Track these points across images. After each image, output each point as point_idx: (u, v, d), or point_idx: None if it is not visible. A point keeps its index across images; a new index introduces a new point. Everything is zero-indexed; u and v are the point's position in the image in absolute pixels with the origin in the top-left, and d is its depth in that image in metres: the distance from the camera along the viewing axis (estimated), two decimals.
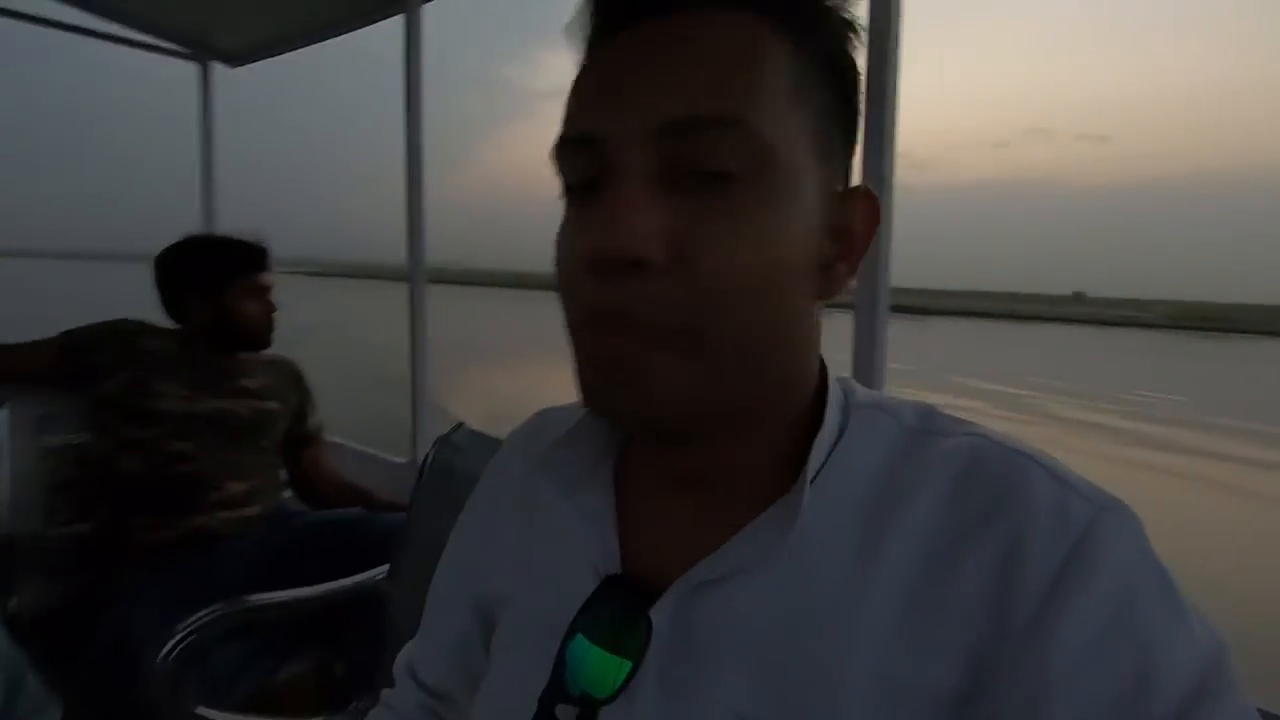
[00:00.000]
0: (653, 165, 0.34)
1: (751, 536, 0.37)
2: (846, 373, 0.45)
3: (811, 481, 0.37)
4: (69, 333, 1.55)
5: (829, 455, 0.39)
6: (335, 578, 1.33)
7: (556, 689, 0.39)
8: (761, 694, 0.36)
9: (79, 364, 1.50)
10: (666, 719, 0.37)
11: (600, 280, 0.34)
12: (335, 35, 2.22)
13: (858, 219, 0.40)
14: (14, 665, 0.95)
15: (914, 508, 0.36)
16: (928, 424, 0.40)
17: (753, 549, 0.37)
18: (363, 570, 1.35)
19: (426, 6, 1.86)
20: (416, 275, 1.94)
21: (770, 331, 0.37)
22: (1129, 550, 0.34)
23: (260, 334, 1.62)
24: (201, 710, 1.05)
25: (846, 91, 0.39)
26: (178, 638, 1.03)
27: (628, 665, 0.37)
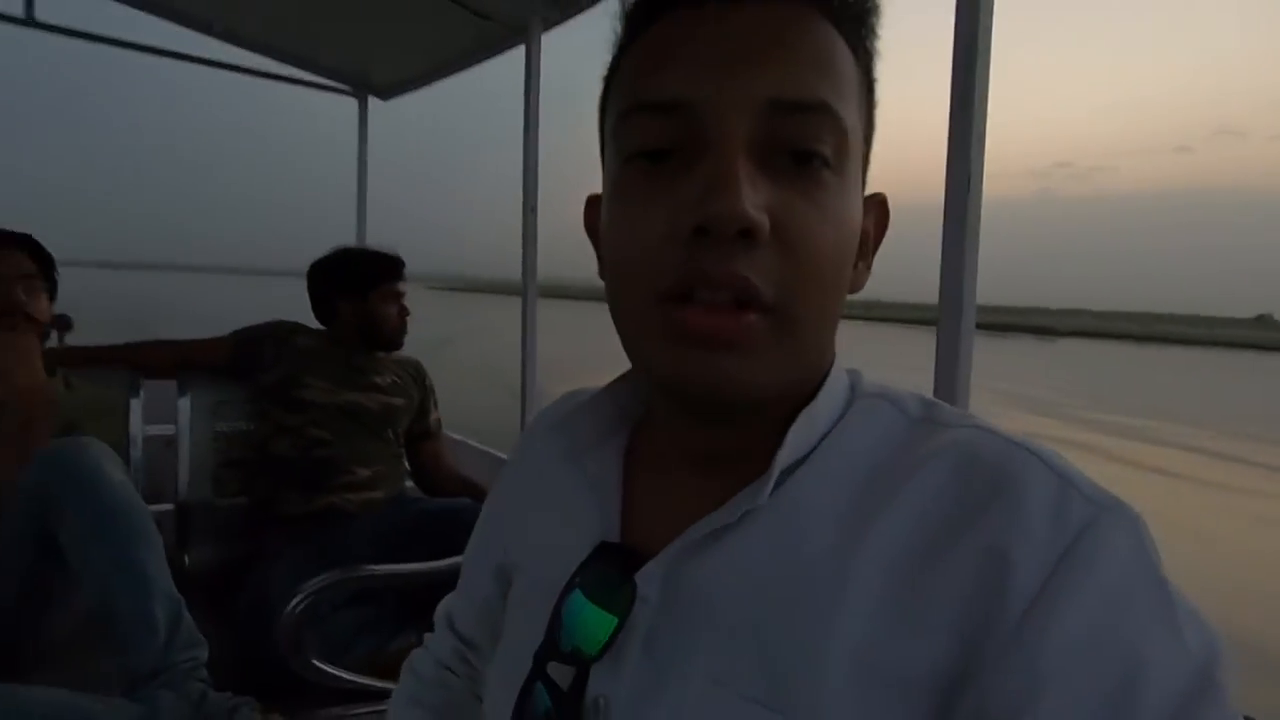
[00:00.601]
0: (755, 138, 0.35)
1: (734, 507, 0.38)
2: (927, 391, 0.46)
3: (807, 458, 0.38)
4: (239, 331, 1.81)
5: (825, 436, 0.39)
6: (452, 555, 1.45)
7: (551, 646, 0.40)
8: (740, 660, 0.36)
9: (245, 358, 1.75)
10: (648, 680, 0.38)
11: (702, 252, 0.34)
12: (469, 66, 2.43)
13: (873, 220, 0.43)
14: (176, 608, 1.13)
15: (908, 492, 0.36)
16: (931, 414, 0.40)
17: (732, 515, 0.38)
18: None
19: (547, 35, 2.00)
20: (529, 289, 2.08)
21: (833, 313, 0.39)
22: (1126, 552, 0.33)
23: (395, 335, 1.82)
24: (318, 664, 1.19)
25: (871, 99, 0.41)
26: (300, 597, 1.17)
27: (614, 621, 0.38)
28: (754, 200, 0.34)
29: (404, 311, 1.83)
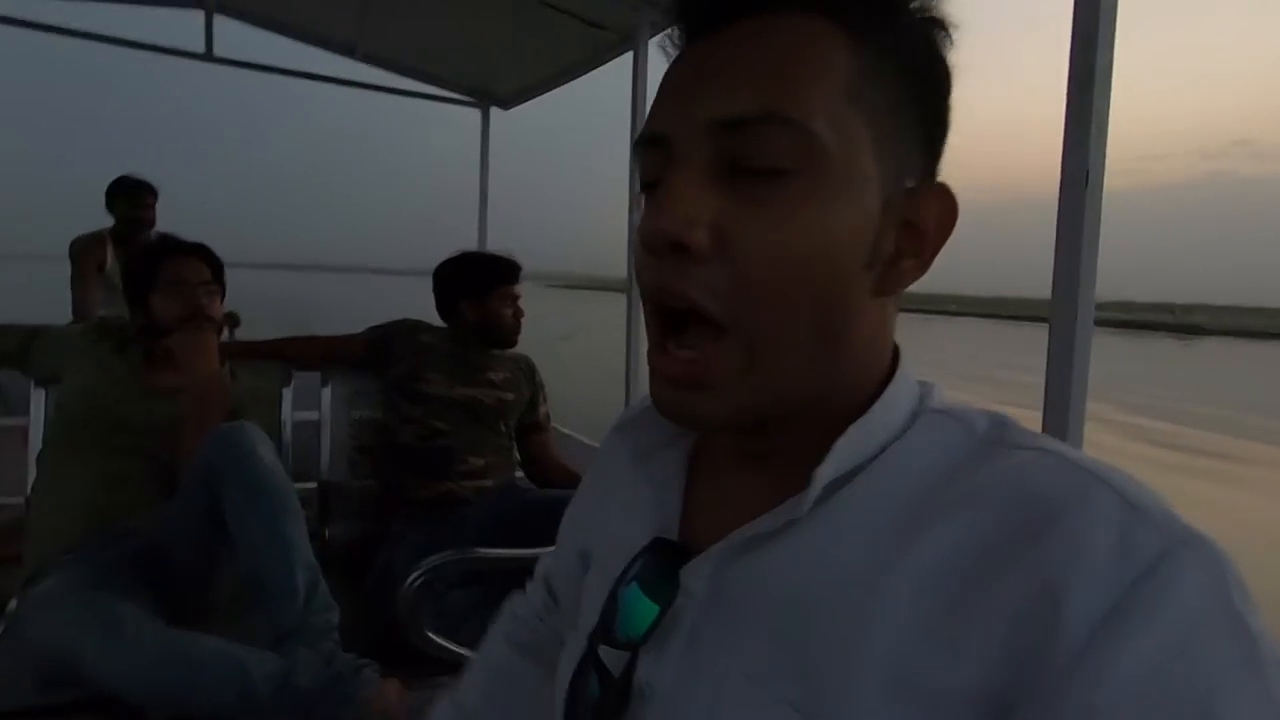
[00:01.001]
0: (709, 160, 0.36)
1: (778, 515, 0.38)
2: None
3: (864, 467, 0.38)
4: (372, 328, 1.99)
5: (883, 450, 0.39)
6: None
7: (604, 631, 0.42)
8: (777, 662, 0.36)
9: (376, 353, 1.93)
10: (688, 671, 0.39)
11: (654, 272, 0.37)
12: (582, 74, 2.53)
13: (931, 215, 0.39)
14: (314, 575, 1.27)
15: (961, 512, 0.35)
16: (1000, 435, 0.38)
17: (775, 521, 0.38)
18: None
19: (653, 42, 2.05)
20: (635, 287, 2.13)
21: (817, 324, 0.37)
22: (1201, 590, 0.30)
23: (510, 334, 1.93)
24: (431, 635, 1.29)
25: (922, 91, 0.39)
26: (417, 574, 1.28)
27: (655, 609, 0.40)
28: (690, 215, 0.35)
29: (518, 312, 1.94)
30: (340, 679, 1.11)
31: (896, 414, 0.40)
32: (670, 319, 0.38)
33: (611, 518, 0.51)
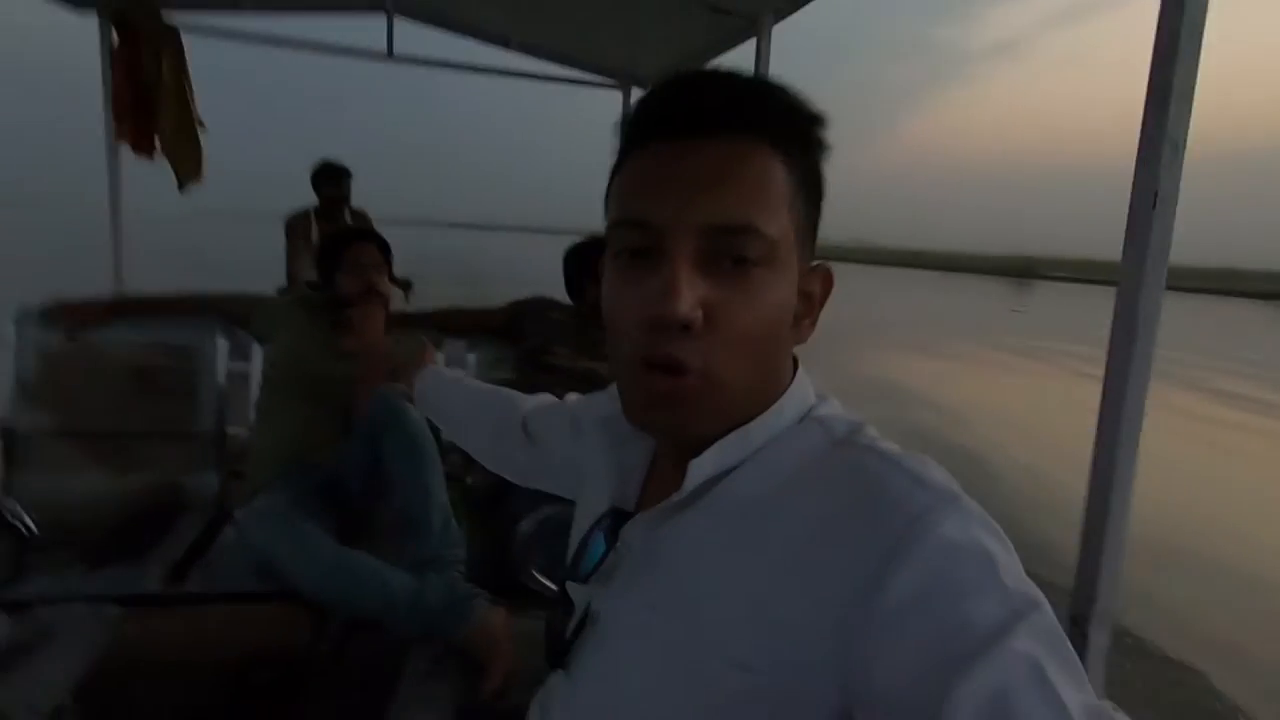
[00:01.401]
0: (697, 252, 0.48)
1: (676, 496, 0.53)
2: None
3: (751, 459, 0.52)
4: (513, 302, 2.24)
5: (761, 448, 0.52)
6: None
7: (572, 568, 0.60)
8: (669, 596, 0.51)
9: (513, 326, 2.18)
10: (619, 601, 0.55)
11: (655, 334, 0.49)
12: (712, 58, 2.58)
13: (817, 286, 0.55)
14: (446, 515, 1.54)
15: (809, 493, 0.48)
16: (852, 437, 0.51)
17: (673, 501, 0.53)
18: None
19: (779, 28, 2.06)
20: None
21: (765, 368, 0.52)
22: (955, 530, 0.42)
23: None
24: (536, 574, 1.52)
25: (818, 197, 0.53)
26: (527, 521, 1.51)
27: (602, 550, 0.58)
28: (691, 300, 0.48)
29: None
30: (459, 602, 1.36)
31: (781, 421, 0.53)
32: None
33: (596, 479, 0.66)
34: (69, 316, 1.98)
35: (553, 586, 1.53)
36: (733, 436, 0.51)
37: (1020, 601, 0.40)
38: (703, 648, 0.47)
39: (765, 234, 0.48)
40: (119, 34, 2.76)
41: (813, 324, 0.55)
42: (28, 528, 1.37)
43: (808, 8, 1.90)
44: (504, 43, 3.02)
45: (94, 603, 1.34)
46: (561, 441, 0.82)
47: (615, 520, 0.58)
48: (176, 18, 2.82)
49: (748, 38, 2.23)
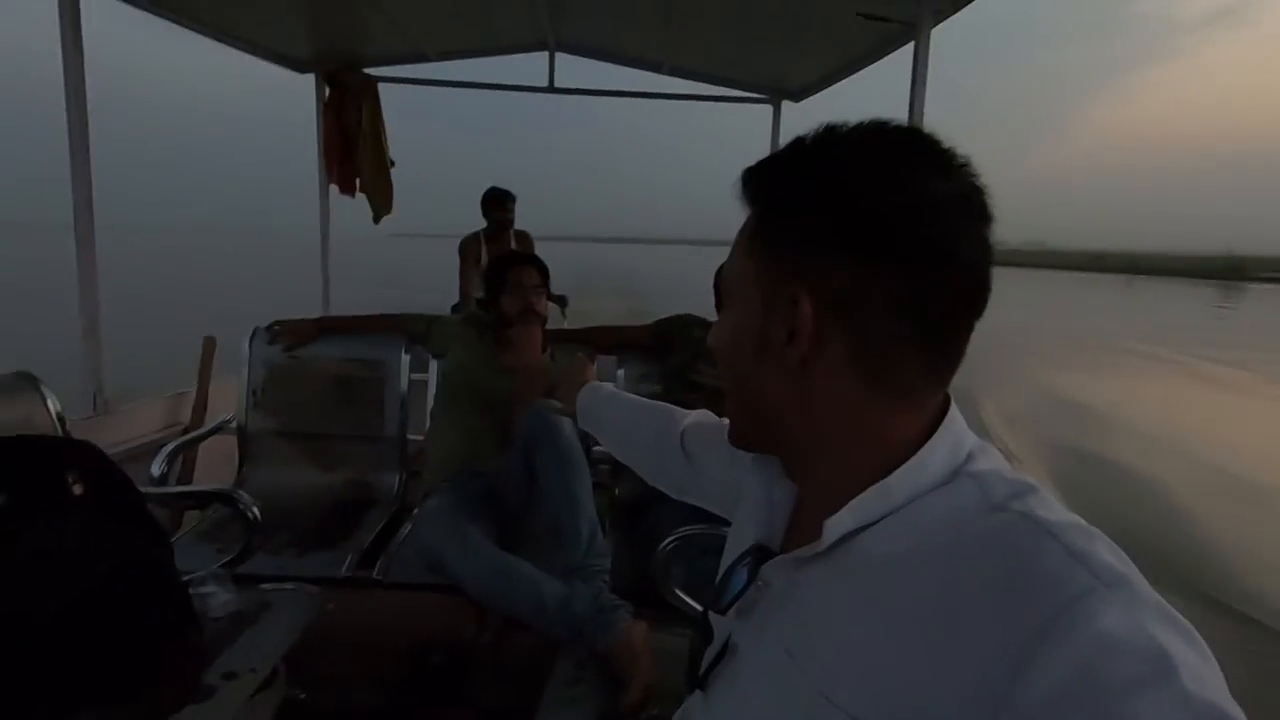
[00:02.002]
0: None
1: (811, 548, 0.51)
2: None
3: (893, 514, 0.48)
4: (659, 320, 2.31)
5: (907, 503, 0.48)
6: None
7: (714, 598, 0.60)
8: (799, 644, 0.50)
9: (659, 343, 2.24)
10: (756, 638, 0.55)
11: None
12: (868, 65, 2.49)
13: (798, 319, 0.51)
14: (594, 527, 1.61)
15: (941, 561, 0.44)
16: (1007, 501, 0.45)
17: (809, 552, 0.51)
18: None
19: (937, 31, 1.95)
20: None
21: (741, 391, 0.57)
22: (1117, 620, 0.37)
23: None
24: (677, 591, 1.55)
25: (780, 239, 0.54)
26: (670, 540, 1.54)
27: (742, 584, 0.57)
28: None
29: None
30: (603, 613, 1.42)
31: (925, 476, 0.48)
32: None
33: (745, 511, 0.66)
34: (287, 334, 2.33)
35: (695, 605, 1.55)
36: (870, 492, 0.49)
37: (1205, 713, 0.34)
38: (825, 701, 0.46)
39: (724, 274, 0.58)
40: (330, 88, 3.21)
41: (801, 357, 0.51)
42: (255, 515, 1.62)
43: (975, 3, 1.78)
44: (656, 68, 3.12)
45: (301, 582, 1.57)
46: (719, 462, 0.83)
47: (759, 557, 0.57)
48: (374, 71, 3.23)
49: (905, 42, 2.13)
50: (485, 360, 2.09)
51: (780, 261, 0.52)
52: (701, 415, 0.94)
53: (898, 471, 0.49)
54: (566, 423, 1.73)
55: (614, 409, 1.06)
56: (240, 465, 2.30)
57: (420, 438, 2.42)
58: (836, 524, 0.49)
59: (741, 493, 0.71)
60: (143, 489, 1.34)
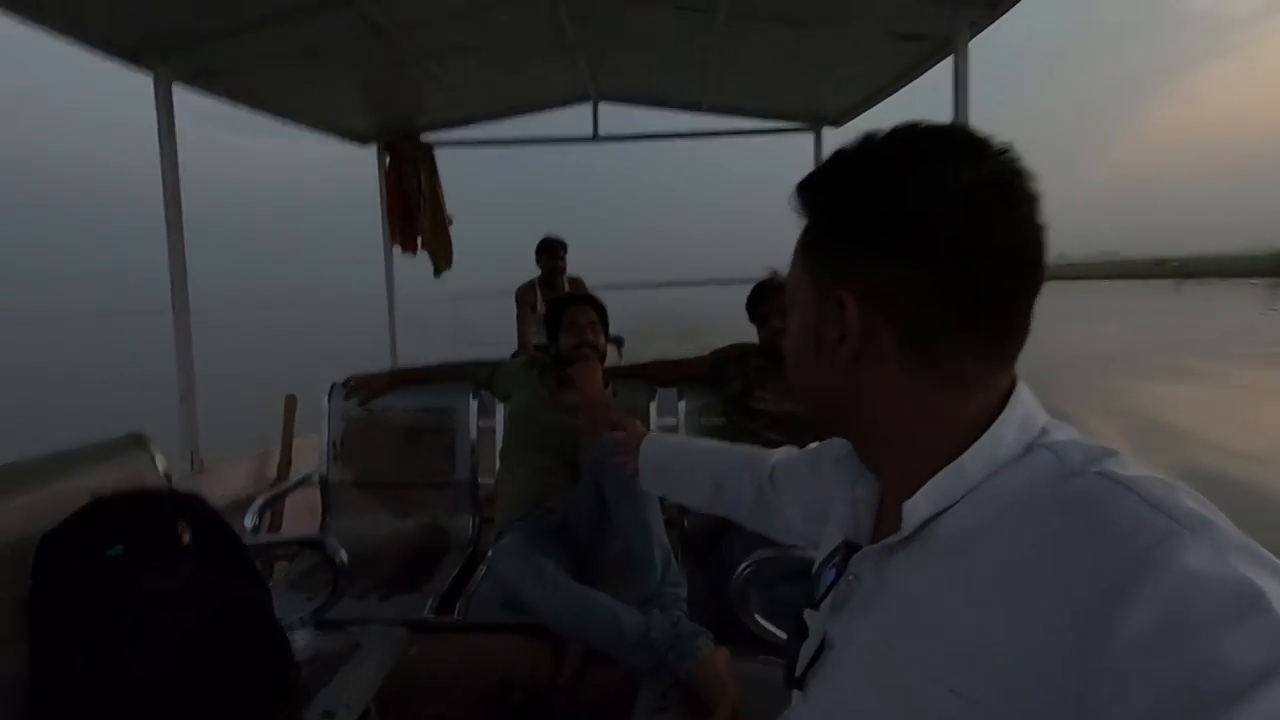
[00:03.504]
0: None
1: (895, 535, 0.53)
2: None
3: (968, 495, 0.49)
4: (714, 351, 2.33)
5: (983, 481, 0.49)
6: None
7: (808, 597, 0.62)
8: (894, 630, 0.51)
9: (717, 373, 2.25)
10: (851, 630, 0.56)
11: None
12: (906, 84, 2.51)
13: (845, 321, 0.54)
14: (667, 555, 1.61)
15: (1022, 526, 0.45)
16: (1085, 466, 0.46)
17: (894, 539, 0.53)
18: None
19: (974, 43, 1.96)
20: None
21: (809, 389, 0.60)
22: (1202, 558, 0.37)
23: (774, 344, 2.11)
24: (758, 618, 1.52)
25: (832, 248, 0.56)
26: (747, 565, 1.52)
27: (832, 577, 0.59)
28: None
29: (777, 329, 2.08)
30: (683, 639, 1.41)
31: (999, 451, 0.50)
32: None
33: (832, 518, 0.68)
34: (362, 388, 2.44)
35: (775, 631, 1.53)
36: (945, 473, 0.50)
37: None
38: (926, 678, 0.47)
39: (786, 284, 0.61)
40: (390, 157, 3.42)
41: (851, 352, 0.54)
42: (342, 560, 1.69)
43: (1016, 9, 1.78)
44: (696, 107, 3.21)
45: (387, 625, 1.61)
46: (806, 486, 0.86)
47: (848, 552, 0.59)
48: (430, 136, 3.42)
49: (943, 58, 2.14)
50: (547, 399, 2.15)
51: (827, 267, 0.55)
52: (784, 452, 0.96)
53: (969, 450, 0.50)
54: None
55: (690, 465, 1.08)
56: (324, 515, 2.40)
57: (490, 482, 2.48)
58: (914, 508, 0.51)
59: (826, 506, 0.73)
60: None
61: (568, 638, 1.56)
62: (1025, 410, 0.51)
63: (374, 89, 2.92)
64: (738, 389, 2.16)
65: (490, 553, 2.05)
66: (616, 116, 3.43)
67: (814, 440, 1.99)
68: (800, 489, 0.88)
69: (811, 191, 0.57)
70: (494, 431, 2.54)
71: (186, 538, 1.28)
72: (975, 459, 0.50)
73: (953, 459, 0.50)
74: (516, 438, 2.15)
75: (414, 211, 3.51)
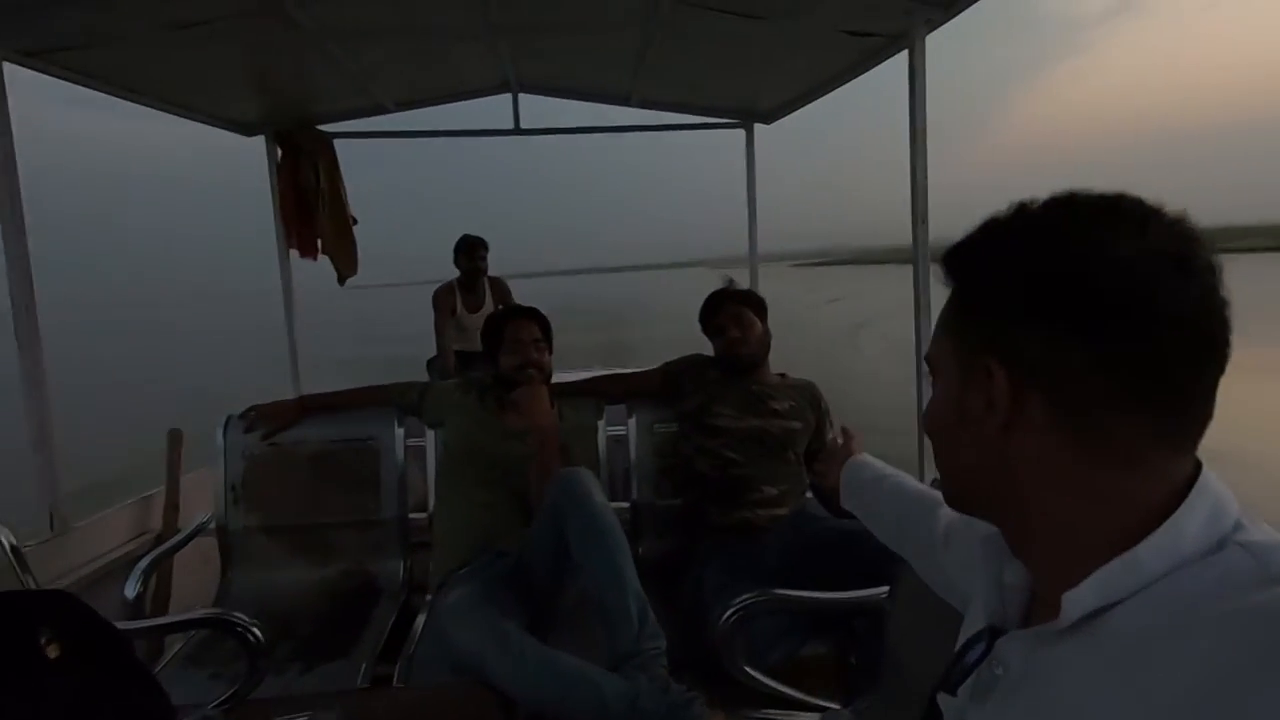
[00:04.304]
0: None
1: (1052, 625, 0.48)
2: None
3: (1146, 589, 0.44)
4: (668, 363, 2.18)
5: (1165, 575, 0.44)
6: (844, 580, 1.54)
7: (944, 679, 0.57)
8: None
9: (671, 387, 2.11)
10: (991, 716, 0.52)
11: None
12: (847, 81, 2.45)
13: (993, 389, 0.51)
14: (643, 604, 1.45)
15: (1207, 637, 0.40)
16: None
17: (1052, 628, 0.48)
18: (866, 580, 1.53)
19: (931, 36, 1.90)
20: (920, 299, 2.03)
21: (950, 461, 0.57)
22: None
23: (733, 357, 2.01)
24: (748, 669, 1.39)
25: (978, 314, 0.54)
26: (732, 610, 1.39)
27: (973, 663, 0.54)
28: None
29: (734, 337, 2.00)
30: (676, 708, 1.26)
31: (1183, 545, 0.45)
32: None
33: (975, 601, 0.64)
34: (265, 420, 2.12)
35: (770, 682, 1.41)
36: (1116, 564, 0.46)
37: None
38: None
39: (929, 354, 0.58)
40: (282, 149, 3.04)
41: (993, 425, 0.51)
42: (257, 638, 1.42)
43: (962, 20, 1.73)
44: (624, 101, 3.04)
45: (315, 708, 1.37)
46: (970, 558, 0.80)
47: (993, 637, 0.55)
48: (328, 127, 3.07)
49: (890, 55, 2.08)
50: (489, 425, 1.93)
51: (974, 335, 0.53)
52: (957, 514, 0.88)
53: (1147, 540, 0.46)
54: (597, 489, 1.58)
55: (881, 494, 1.04)
56: (224, 570, 2.07)
57: (423, 516, 2.23)
58: (1078, 598, 0.47)
59: (962, 585, 0.71)
60: (121, 624, 1.15)
61: (543, 713, 1.37)
62: (1214, 501, 0.47)
63: (260, 72, 2.56)
64: (695, 405, 2.02)
65: (432, 603, 1.82)
66: (539, 108, 3.20)
67: (775, 463, 1.93)
68: (969, 558, 0.79)
69: (961, 257, 0.54)
70: (424, 457, 2.28)
71: (53, 651, 1.00)
72: (1153, 551, 0.45)
73: (1123, 548, 0.46)
74: (455, 470, 1.92)
75: (312, 212, 3.14)
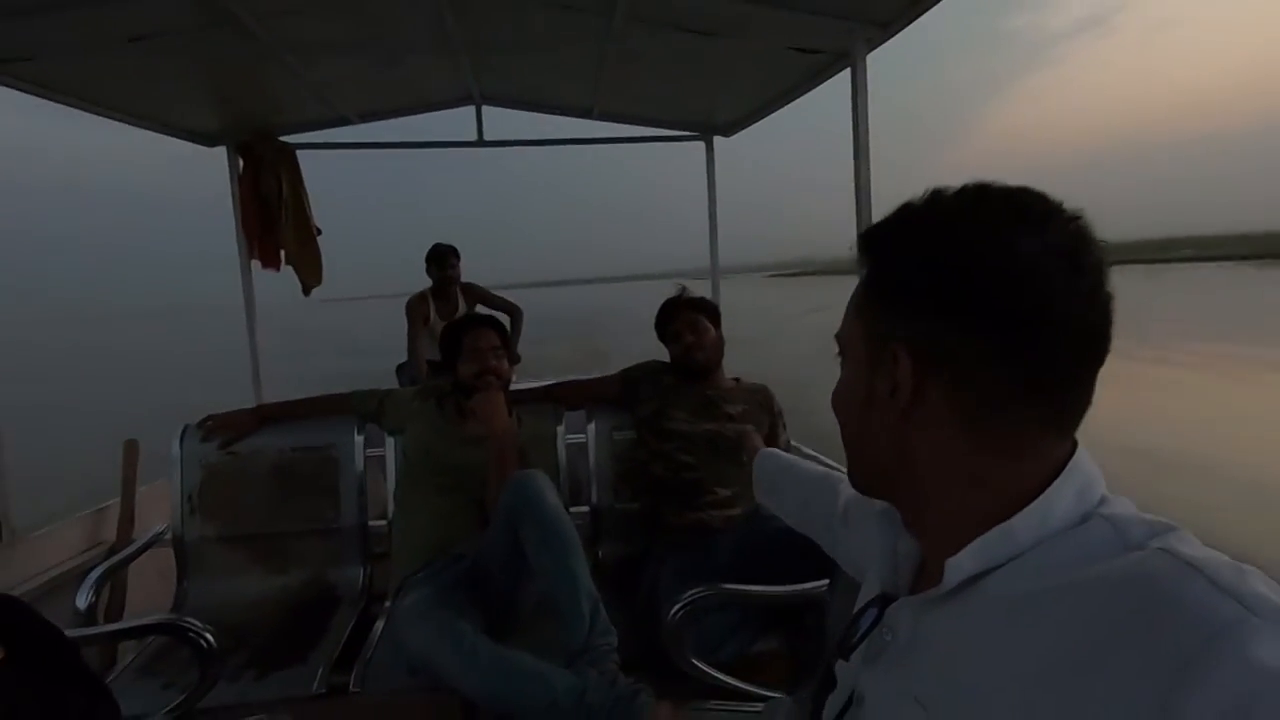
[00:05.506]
0: None
1: (934, 592, 0.52)
2: None
3: (1020, 557, 0.48)
4: (626, 369, 2.22)
5: (1034, 546, 0.47)
6: (796, 578, 1.59)
7: (841, 644, 0.61)
8: (930, 691, 0.50)
9: (629, 393, 2.15)
10: (883, 686, 0.55)
11: None
12: (797, 98, 2.53)
13: (898, 374, 0.53)
14: (595, 603, 1.49)
15: (1074, 600, 0.43)
16: (1145, 541, 0.44)
17: (934, 594, 0.52)
18: (817, 576, 1.58)
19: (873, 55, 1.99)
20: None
21: (854, 442, 0.59)
22: (1272, 653, 0.35)
23: (688, 364, 2.08)
24: (695, 662, 1.43)
25: (890, 298, 0.55)
26: (680, 605, 1.43)
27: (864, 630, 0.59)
28: None
29: (691, 343, 2.06)
30: (621, 700, 1.30)
31: (1051, 517, 0.48)
32: None
33: (870, 570, 0.68)
34: (222, 428, 2.12)
35: (713, 673, 1.45)
36: (993, 533, 0.49)
37: None
38: None
39: (839, 334, 0.60)
40: (243, 160, 3.03)
41: (901, 402, 0.53)
42: (209, 643, 1.42)
43: (902, 39, 1.82)
44: (586, 113, 3.10)
45: (269, 712, 1.38)
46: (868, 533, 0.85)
47: (884, 604, 0.58)
48: (291, 139, 3.08)
49: (836, 71, 2.17)
50: (448, 432, 1.96)
51: (883, 320, 0.54)
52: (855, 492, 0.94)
53: (1021, 513, 0.49)
54: (550, 491, 1.62)
55: (787, 483, 1.10)
56: (180, 581, 2.06)
57: (382, 524, 2.23)
58: (958, 565, 0.50)
59: (858, 558, 0.75)
60: (70, 632, 1.15)
61: (494, 710, 1.40)
62: (1083, 479, 0.50)
63: (219, 84, 2.56)
64: (651, 410, 2.07)
65: (390, 608, 1.83)
66: (504, 120, 3.24)
67: (729, 465, 1.99)
68: (867, 533, 0.85)
69: (875, 241, 0.56)
70: (384, 463, 2.29)
71: None
72: (1025, 523, 0.48)
73: (1000, 522, 0.49)
74: (414, 476, 1.94)
75: (274, 222, 3.13)
